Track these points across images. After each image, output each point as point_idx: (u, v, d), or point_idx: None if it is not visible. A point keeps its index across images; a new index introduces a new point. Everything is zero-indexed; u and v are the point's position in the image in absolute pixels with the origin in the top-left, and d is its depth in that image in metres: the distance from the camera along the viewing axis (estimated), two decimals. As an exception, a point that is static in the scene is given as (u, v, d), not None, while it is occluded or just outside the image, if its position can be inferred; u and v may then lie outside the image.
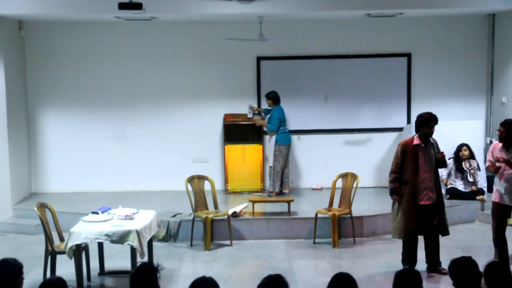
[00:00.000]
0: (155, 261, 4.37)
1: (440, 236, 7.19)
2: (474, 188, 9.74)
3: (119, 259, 7.56)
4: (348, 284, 4.01)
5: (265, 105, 10.57)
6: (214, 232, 8.63)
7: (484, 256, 7.08)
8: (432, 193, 7.06)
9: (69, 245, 6.52)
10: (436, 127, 7.24)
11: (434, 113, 7.12)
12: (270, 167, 10.31)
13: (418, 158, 7.02)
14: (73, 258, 6.59)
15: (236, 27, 10.43)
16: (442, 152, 7.08)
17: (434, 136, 7.18)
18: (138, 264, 4.39)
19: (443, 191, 8.72)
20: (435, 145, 7.14)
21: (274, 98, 10.20)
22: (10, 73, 9.79)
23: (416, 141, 7.06)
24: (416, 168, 7.01)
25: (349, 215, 8.55)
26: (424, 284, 6.14)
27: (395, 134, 10.93)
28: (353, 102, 10.88)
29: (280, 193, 10.14)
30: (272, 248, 8.43)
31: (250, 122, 10.51)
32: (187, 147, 10.87)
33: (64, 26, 10.59)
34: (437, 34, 10.82)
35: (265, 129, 10.42)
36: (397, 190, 7.14)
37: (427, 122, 7.00)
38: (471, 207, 9.59)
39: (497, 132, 7.21)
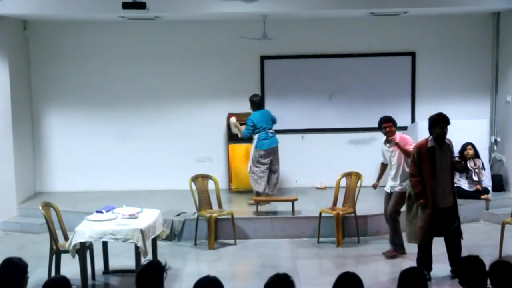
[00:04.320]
0: (163, 261, 4.35)
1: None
2: (478, 187, 9.71)
3: (123, 258, 7.56)
4: (354, 284, 4.01)
5: (268, 106, 10.57)
6: (218, 231, 8.63)
7: (489, 255, 7.05)
8: (450, 195, 7.00)
9: (73, 243, 6.53)
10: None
11: (443, 113, 7.08)
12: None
13: (435, 161, 6.89)
14: (77, 257, 6.61)
15: (240, 26, 10.43)
16: (460, 161, 6.98)
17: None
18: (145, 262, 4.38)
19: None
20: (451, 147, 7.08)
21: (251, 101, 9.69)
22: (14, 73, 9.81)
23: (430, 144, 6.93)
24: (433, 171, 6.88)
25: (353, 214, 8.54)
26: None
27: (399, 133, 10.87)
28: (357, 101, 10.87)
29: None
30: (276, 247, 8.43)
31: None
32: (191, 146, 10.87)
33: (68, 26, 10.61)
34: (442, 33, 10.80)
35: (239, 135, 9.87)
36: (422, 194, 6.94)
37: (437, 123, 6.89)
38: (475, 206, 9.57)
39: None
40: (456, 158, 7.06)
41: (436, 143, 6.93)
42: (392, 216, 7.78)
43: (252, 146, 9.68)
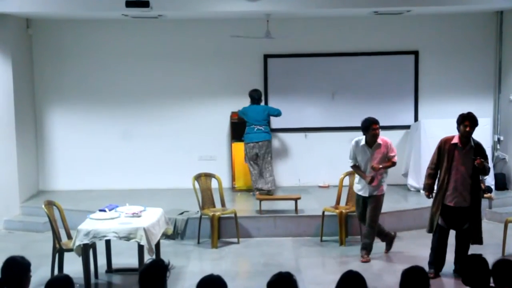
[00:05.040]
0: (166, 259, 4.35)
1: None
2: (482, 186, 9.67)
3: (126, 257, 7.57)
4: (358, 282, 4.00)
5: (271, 104, 10.60)
6: (221, 229, 8.64)
7: (491, 254, 7.04)
8: (463, 197, 6.86)
9: (77, 243, 6.54)
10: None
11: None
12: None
13: (453, 158, 6.83)
14: (81, 256, 6.62)
15: (243, 25, 10.43)
16: (479, 158, 6.74)
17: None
18: (149, 261, 4.39)
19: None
20: (478, 151, 6.87)
21: (250, 96, 10.09)
22: (17, 71, 9.82)
23: (455, 140, 6.88)
24: (449, 167, 6.85)
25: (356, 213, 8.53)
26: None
27: (402, 132, 10.90)
28: (360, 99, 10.85)
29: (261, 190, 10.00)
30: (279, 246, 8.43)
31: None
32: (194, 145, 10.87)
33: (71, 24, 10.62)
34: (445, 32, 10.78)
35: None
36: (429, 187, 7.07)
37: (462, 121, 6.83)
38: None
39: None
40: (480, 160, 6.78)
41: (460, 141, 6.87)
42: (374, 220, 7.61)
43: (273, 139, 10.23)
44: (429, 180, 7.09)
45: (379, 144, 7.52)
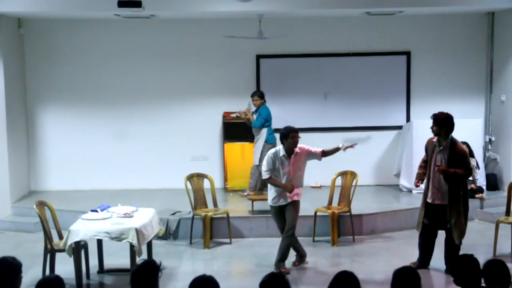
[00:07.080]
0: (158, 260, 4.35)
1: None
2: (473, 186, 9.72)
3: (118, 257, 7.55)
4: (352, 282, 4.01)
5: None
6: (213, 230, 8.63)
7: (483, 254, 7.09)
8: (440, 193, 7.02)
9: (69, 242, 6.52)
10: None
11: (432, 111, 7.24)
12: (257, 166, 9.68)
13: (433, 156, 7.06)
14: (72, 256, 6.60)
15: (236, 25, 10.42)
16: (441, 165, 6.89)
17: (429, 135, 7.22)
18: (140, 261, 4.38)
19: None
20: (452, 149, 6.93)
21: (262, 97, 9.85)
22: (9, 71, 9.78)
23: (434, 139, 7.12)
24: (429, 165, 7.09)
25: (348, 213, 8.55)
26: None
27: (394, 132, 10.94)
28: (352, 100, 10.88)
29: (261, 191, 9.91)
30: (272, 246, 8.38)
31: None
32: (186, 145, 10.86)
33: (63, 24, 10.59)
34: (437, 32, 10.82)
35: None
36: (419, 175, 7.29)
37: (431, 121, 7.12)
38: (470, 205, 9.46)
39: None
40: (442, 165, 6.90)
41: (437, 140, 7.07)
42: (294, 226, 7.30)
43: (259, 141, 9.77)
44: (420, 170, 7.33)
45: (297, 153, 7.33)
